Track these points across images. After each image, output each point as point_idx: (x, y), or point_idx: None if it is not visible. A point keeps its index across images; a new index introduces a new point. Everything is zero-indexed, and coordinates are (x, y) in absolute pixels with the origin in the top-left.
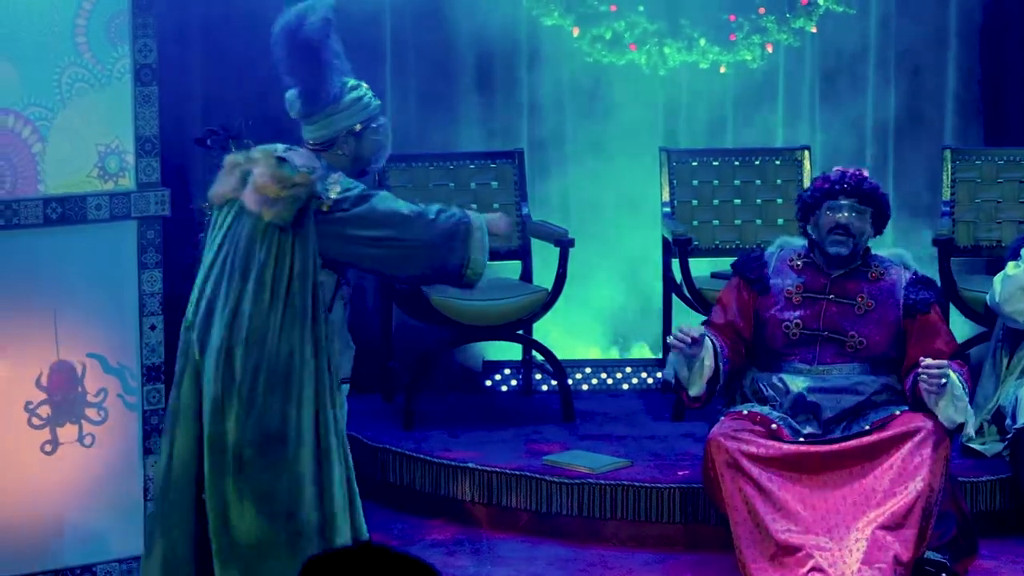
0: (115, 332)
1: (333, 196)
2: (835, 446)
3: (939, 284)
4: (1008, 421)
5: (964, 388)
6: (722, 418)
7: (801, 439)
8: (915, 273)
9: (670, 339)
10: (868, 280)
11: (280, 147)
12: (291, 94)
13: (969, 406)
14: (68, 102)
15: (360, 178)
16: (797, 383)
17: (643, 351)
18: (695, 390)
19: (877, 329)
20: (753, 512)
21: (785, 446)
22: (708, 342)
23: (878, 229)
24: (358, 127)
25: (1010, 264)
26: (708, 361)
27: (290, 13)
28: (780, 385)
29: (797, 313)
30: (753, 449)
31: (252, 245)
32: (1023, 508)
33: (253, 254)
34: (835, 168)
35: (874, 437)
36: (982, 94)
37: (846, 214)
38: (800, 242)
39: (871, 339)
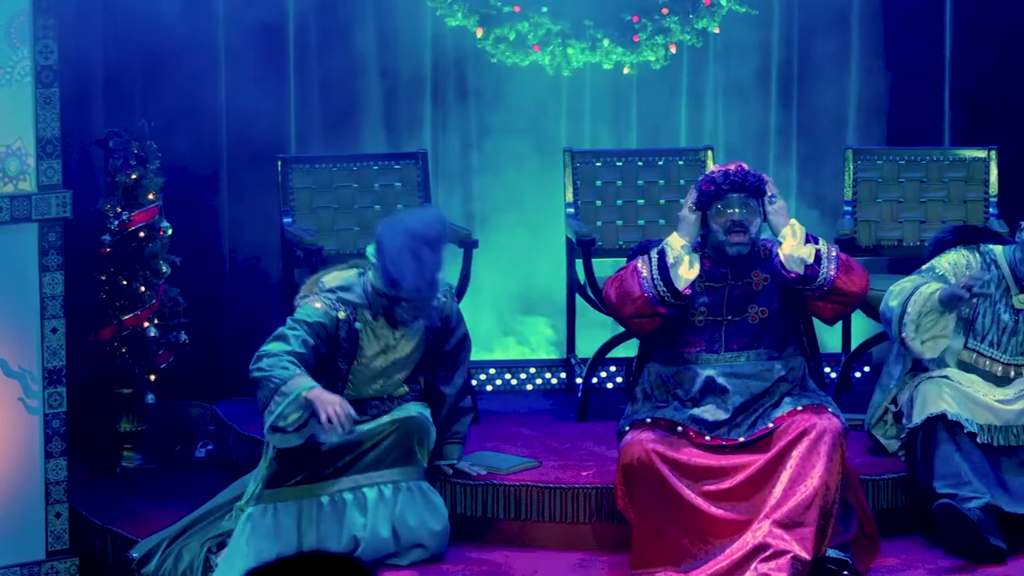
0: (16, 335)
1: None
2: (736, 479)
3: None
4: (904, 420)
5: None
6: (628, 427)
7: (708, 437)
8: None
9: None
10: (760, 259)
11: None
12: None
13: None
14: None
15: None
16: (707, 370)
17: (547, 352)
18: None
19: (775, 296)
20: (660, 514)
21: (696, 460)
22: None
23: (763, 212)
24: (401, 301)
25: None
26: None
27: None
28: (687, 373)
29: (701, 300)
30: (662, 448)
31: None
32: (918, 506)
33: None
34: (714, 169)
35: (772, 451)
36: (888, 93)
37: (737, 209)
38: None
39: (771, 307)
